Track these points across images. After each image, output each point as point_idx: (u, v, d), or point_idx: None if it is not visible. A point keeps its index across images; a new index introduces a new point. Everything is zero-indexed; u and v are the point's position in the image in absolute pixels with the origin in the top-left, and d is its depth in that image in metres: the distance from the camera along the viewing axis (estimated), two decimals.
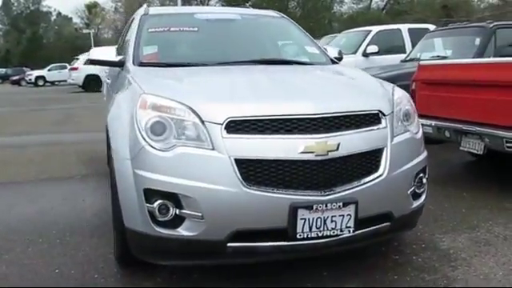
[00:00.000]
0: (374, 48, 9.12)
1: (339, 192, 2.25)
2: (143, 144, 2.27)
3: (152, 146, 2.25)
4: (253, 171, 2.19)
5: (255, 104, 2.34)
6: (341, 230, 2.26)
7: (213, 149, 2.20)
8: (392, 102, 2.60)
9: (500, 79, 3.97)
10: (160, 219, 2.24)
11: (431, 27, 10.01)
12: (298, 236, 2.20)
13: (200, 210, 2.18)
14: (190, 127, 2.25)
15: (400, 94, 2.73)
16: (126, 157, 2.35)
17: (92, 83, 21.51)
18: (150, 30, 3.50)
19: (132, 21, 4.19)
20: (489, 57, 6.66)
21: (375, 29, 9.76)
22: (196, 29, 3.61)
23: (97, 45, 46.01)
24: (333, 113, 2.33)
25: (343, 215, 2.24)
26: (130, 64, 3.18)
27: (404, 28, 9.83)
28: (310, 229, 2.21)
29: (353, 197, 2.26)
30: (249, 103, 2.35)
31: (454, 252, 2.91)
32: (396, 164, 2.44)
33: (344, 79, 3.07)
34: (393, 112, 2.54)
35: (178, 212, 2.22)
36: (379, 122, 2.47)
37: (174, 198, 2.21)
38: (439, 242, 3.07)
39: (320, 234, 2.23)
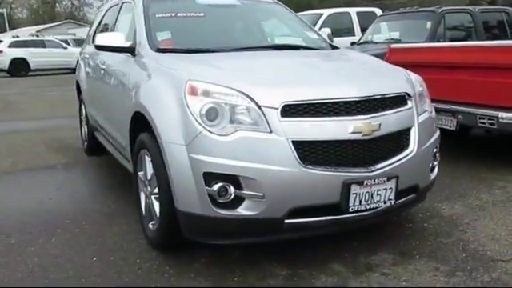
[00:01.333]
0: (327, 30, 9.43)
1: (382, 168, 2.48)
2: (200, 130, 2.35)
3: (210, 131, 2.33)
4: (308, 151, 2.35)
5: (306, 89, 2.48)
6: (384, 202, 2.49)
7: (270, 132, 2.32)
8: (412, 85, 2.85)
9: (471, 61, 4.39)
10: (220, 201, 2.34)
11: (377, 11, 10.53)
12: (350, 209, 2.41)
13: (261, 190, 2.30)
14: (247, 112, 2.35)
15: (415, 76, 2.98)
16: (178, 142, 2.41)
17: (19, 67, 20.31)
18: (157, 16, 3.48)
19: (121, 5, 4.12)
20: (440, 39, 7.22)
21: (326, 12, 10.09)
22: (202, 14, 3.64)
23: (12, 26, 42.92)
24: (373, 95, 2.53)
25: (386, 189, 2.48)
26: (146, 50, 3.17)
27: (353, 11, 10.26)
28: (360, 202, 2.42)
29: (393, 172, 2.50)
30: (300, 88, 2.49)
31: (457, 218, 3.26)
32: (422, 141, 2.70)
33: (363, 64, 3.26)
34: (415, 94, 2.79)
35: (237, 193, 2.33)
36: (406, 103, 2.71)
37: (233, 180, 2.32)
38: (440, 210, 3.41)
39: (368, 207, 2.45)
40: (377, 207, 2.48)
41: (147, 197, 2.91)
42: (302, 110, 2.38)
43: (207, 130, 2.34)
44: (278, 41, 3.58)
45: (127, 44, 3.34)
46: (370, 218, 2.56)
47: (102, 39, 3.41)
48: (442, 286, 2.41)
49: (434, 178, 2.92)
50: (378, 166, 2.48)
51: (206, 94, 2.42)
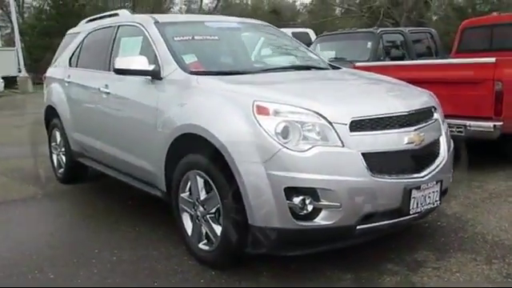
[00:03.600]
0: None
1: (430, 173, 2.79)
2: (279, 147, 2.48)
3: (289, 149, 2.48)
4: (374, 162, 2.58)
5: (367, 106, 2.72)
6: (432, 204, 2.81)
7: (343, 146, 2.53)
8: (433, 99, 3.22)
9: (437, 77, 4.95)
10: (299, 213, 2.49)
11: (310, 32, 11.16)
12: (410, 212, 2.68)
13: (338, 200, 2.49)
14: (320, 129, 2.53)
15: (429, 92, 3.36)
16: (254, 160, 2.52)
17: None
18: (176, 39, 3.53)
19: (117, 28, 4.09)
20: (380, 57, 7.90)
21: None
22: (217, 37, 3.76)
23: None
24: (415, 109, 2.85)
25: (435, 191, 2.79)
26: (178, 73, 3.22)
27: (288, 32, 10.74)
28: (417, 205, 2.70)
29: (438, 176, 2.82)
30: (362, 105, 2.73)
31: (461, 215, 3.68)
32: (448, 148, 3.07)
33: (387, 82, 3.52)
34: (437, 106, 3.17)
35: (315, 204, 2.49)
36: (433, 116, 3.07)
37: (312, 193, 2.48)
38: (443, 209, 3.81)
39: (422, 209, 2.74)
40: (427, 208, 2.78)
41: (196, 218, 2.95)
42: (366, 124, 2.62)
43: (286, 148, 2.48)
44: (295, 62, 3.80)
45: (151, 67, 3.35)
46: (418, 219, 2.85)
47: (124, 63, 3.38)
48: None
49: (451, 180, 3.30)
50: (426, 172, 2.78)
51: (278, 113, 2.56)
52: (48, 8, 30.48)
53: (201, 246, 2.96)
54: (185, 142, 2.97)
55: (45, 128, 5.49)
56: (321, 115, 2.56)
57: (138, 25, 3.80)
